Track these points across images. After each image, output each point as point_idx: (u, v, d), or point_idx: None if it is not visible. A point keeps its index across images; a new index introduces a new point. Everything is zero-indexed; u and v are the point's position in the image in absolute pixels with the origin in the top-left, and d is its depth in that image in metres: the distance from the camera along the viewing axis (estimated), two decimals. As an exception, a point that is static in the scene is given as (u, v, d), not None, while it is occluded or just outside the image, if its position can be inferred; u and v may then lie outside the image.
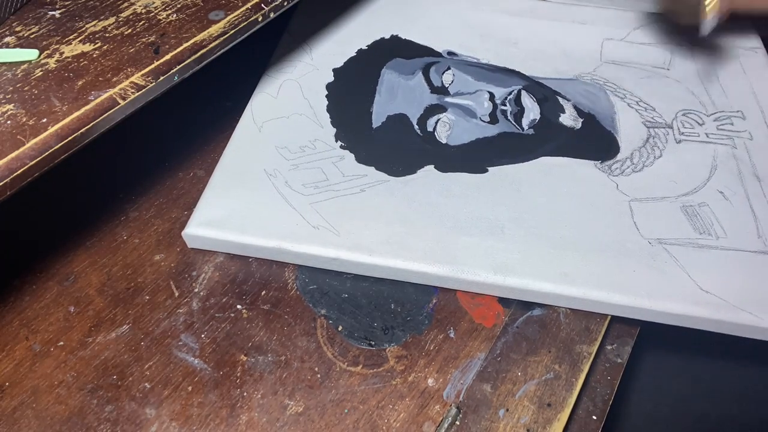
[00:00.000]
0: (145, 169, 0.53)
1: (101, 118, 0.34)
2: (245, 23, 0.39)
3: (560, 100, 0.54)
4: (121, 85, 0.35)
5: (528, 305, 0.45)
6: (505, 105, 0.53)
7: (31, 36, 0.38)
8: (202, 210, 0.47)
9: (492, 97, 0.54)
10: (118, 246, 0.49)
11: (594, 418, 0.43)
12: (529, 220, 0.46)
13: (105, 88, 0.35)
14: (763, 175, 0.49)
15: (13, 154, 0.32)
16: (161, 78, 0.36)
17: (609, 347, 0.46)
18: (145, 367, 0.42)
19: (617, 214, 0.47)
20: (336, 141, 0.51)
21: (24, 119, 0.33)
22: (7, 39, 0.37)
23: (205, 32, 0.38)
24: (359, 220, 0.46)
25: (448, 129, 0.52)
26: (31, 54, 0.36)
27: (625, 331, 0.47)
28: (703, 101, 0.54)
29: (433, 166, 0.50)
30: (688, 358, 0.70)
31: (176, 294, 0.46)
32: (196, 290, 0.46)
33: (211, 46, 0.38)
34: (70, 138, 0.33)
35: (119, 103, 0.35)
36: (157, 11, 0.40)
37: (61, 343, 0.44)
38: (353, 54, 0.58)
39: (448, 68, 0.56)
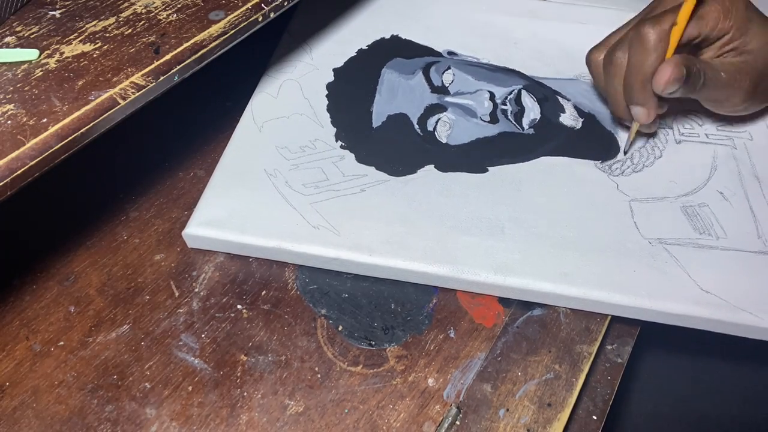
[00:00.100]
0: (145, 169, 0.53)
1: (101, 118, 0.34)
2: (245, 23, 0.39)
3: (560, 99, 0.54)
4: (122, 85, 0.35)
5: (528, 305, 0.45)
6: (506, 104, 0.53)
7: (32, 36, 0.38)
8: (203, 210, 0.47)
9: (492, 96, 0.54)
10: (118, 246, 0.49)
11: (594, 418, 0.43)
12: (529, 220, 0.46)
13: (105, 88, 0.35)
14: (763, 176, 0.49)
15: (13, 154, 0.32)
16: (161, 78, 0.36)
17: (609, 347, 0.46)
18: (146, 367, 0.42)
19: (617, 214, 0.47)
20: (336, 141, 0.51)
21: (24, 119, 0.33)
22: (8, 39, 0.37)
23: (206, 32, 0.38)
24: (359, 220, 0.46)
25: (448, 128, 0.52)
26: (31, 54, 0.36)
27: (625, 331, 0.47)
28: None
29: (433, 165, 0.50)
30: (688, 358, 0.70)
31: (176, 294, 0.46)
32: (197, 290, 0.46)
33: (211, 46, 0.38)
34: (70, 138, 0.33)
35: (119, 103, 0.35)
36: (157, 11, 0.40)
37: (62, 343, 0.44)
38: (353, 54, 0.58)
39: (449, 68, 0.56)
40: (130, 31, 0.38)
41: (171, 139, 0.55)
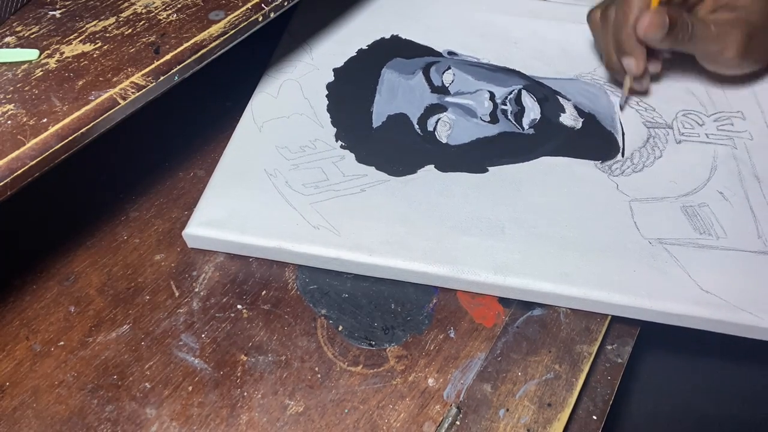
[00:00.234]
0: (145, 169, 0.53)
1: (101, 118, 0.34)
2: (245, 23, 0.39)
3: (560, 99, 0.54)
4: (122, 85, 0.35)
5: (528, 305, 0.45)
6: (506, 104, 0.53)
7: (32, 36, 0.38)
8: (203, 210, 0.47)
9: (492, 96, 0.54)
10: (118, 246, 0.49)
11: (594, 418, 0.43)
12: (529, 220, 0.46)
13: (105, 88, 0.35)
14: (763, 176, 0.49)
15: (13, 154, 0.32)
16: (161, 78, 0.36)
17: (609, 347, 0.46)
18: (146, 367, 0.42)
19: (617, 214, 0.47)
20: (336, 141, 0.51)
21: (24, 119, 0.33)
22: (8, 39, 0.37)
23: (206, 32, 0.38)
24: (359, 220, 0.46)
25: (448, 128, 0.52)
26: (31, 54, 0.36)
27: (626, 331, 0.47)
28: (703, 101, 0.54)
29: (433, 165, 0.50)
30: (688, 358, 0.70)
31: (176, 294, 0.46)
32: (197, 290, 0.46)
33: (211, 46, 0.38)
34: (70, 138, 0.33)
35: (119, 103, 0.35)
36: (157, 11, 0.40)
37: (62, 343, 0.44)
38: (353, 54, 0.58)
39: (449, 68, 0.56)
40: (130, 31, 0.38)
41: (171, 139, 0.55)
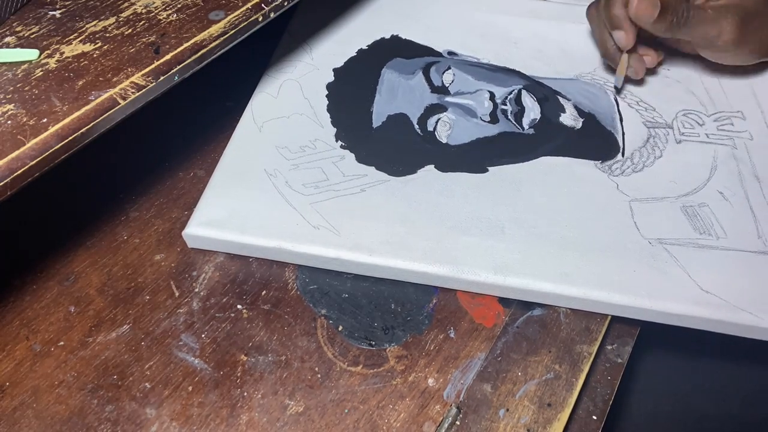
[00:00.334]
0: (145, 169, 0.53)
1: (101, 118, 0.34)
2: (245, 23, 0.39)
3: (560, 99, 0.54)
4: (122, 85, 0.35)
5: (528, 305, 0.45)
6: (506, 104, 0.53)
7: (32, 36, 0.38)
8: (203, 210, 0.47)
9: (492, 96, 0.54)
10: (118, 246, 0.49)
11: (594, 418, 0.43)
12: (529, 220, 0.46)
13: (105, 88, 0.35)
14: (763, 176, 0.49)
15: (13, 154, 0.32)
16: (161, 78, 0.36)
17: (609, 347, 0.46)
18: (146, 367, 0.42)
19: (617, 214, 0.47)
20: (336, 141, 0.51)
21: (24, 119, 0.33)
22: (8, 39, 0.37)
23: (206, 32, 0.38)
24: (359, 220, 0.46)
25: (448, 128, 0.52)
26: (31, 54, 0.36)
27: (625, 331, 0.47)
28: (703, 101, 0.54)
29: (433, 165, 0.50)
30: (688, 358, 0.70)
31: (176, 294, 0.46)
32: (197, 290, 0.46)
33: (211, 46, 0.38)
34: (70, 138, 0.33)
35: (119, 103, 0.35)
36: (157, 11, 0.40)
37: (62, 343, 0.44)
38: (353, 54, 0.58)
39: (449, 68, 0.56)
40: (130, 31, 0.38)
41: (171, 139, 0.55)
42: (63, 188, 0.52)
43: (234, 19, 0.39)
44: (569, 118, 0.53)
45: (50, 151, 0.32)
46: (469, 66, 0.56)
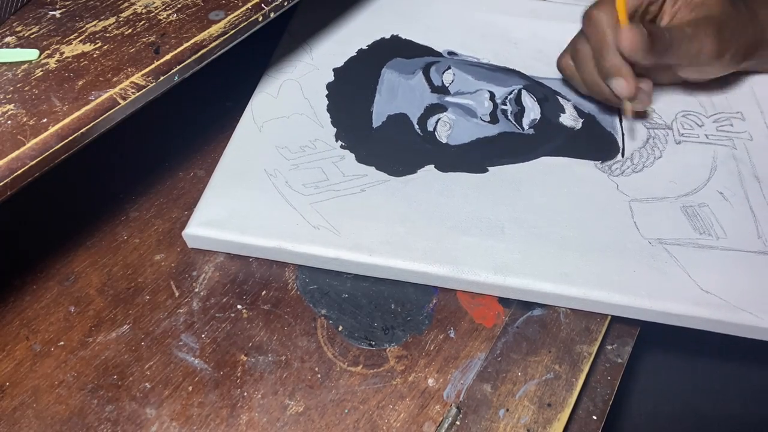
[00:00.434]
0: (145, 169, 0.53)
1: (101, 118, 0.34)
2: (245, 23, 0.39)
3: (560, 100, 0.54)
4: (122, 85, 0.35)
5: (528, 305, 0.45)
6: (506, 104, 0.53)
7: (32, 36, 0.38)
8: (203, 210, 0.47)
9: (492, 96, 0.54)
10: (118, 246, 0.49)
11: (594, 418, 0.43)
12: (529, 220, 0.46)
13: (105, 88, 0.35)
14: (763, 176, 0.49)
15: (13, 154, 0.32)
16: (161, 78, 0.36)
17: (609, 347, 0.46)
18: (146, 367, 0.42)
19: (617, 214, 0.47)
20: (336, 141, 0.51)
21: (24, 119, 0.33)
22: (8, 39, 0.37)
23: (206, 32, 0.38)
24: (359, 220, 0.46)
25: (448, 128, 0.52)
26: (31, 54, 0.36)
27: (625, 331, 0.47)
28: (703, 102, 0.54)
29: (433, 165, 0.50)
30: (688, 358, 0.70)
31: (176, 294, 0.46)
32: (197, 290, 0.46)
33: (211, 46, 0.38)
34: (70, 138, 0.33)
35: (119, 103, 0.35)
36: (157, 11, 0.40)
37: (62, 343, 0.44)
38: (353, 54, 0.58)
39: (449, 68, 0.56)
40: (130, 31, 0.38)
41: (171, 139, 0.55)
42: (63, 188, 0.52)
43: (234, 19, 0.39)
44: (569, 119, 0.53)
45: (50, 151, 0.32)
46: (469, 66, 0.56)
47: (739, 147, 0.51)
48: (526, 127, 0.52)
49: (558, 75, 0.56)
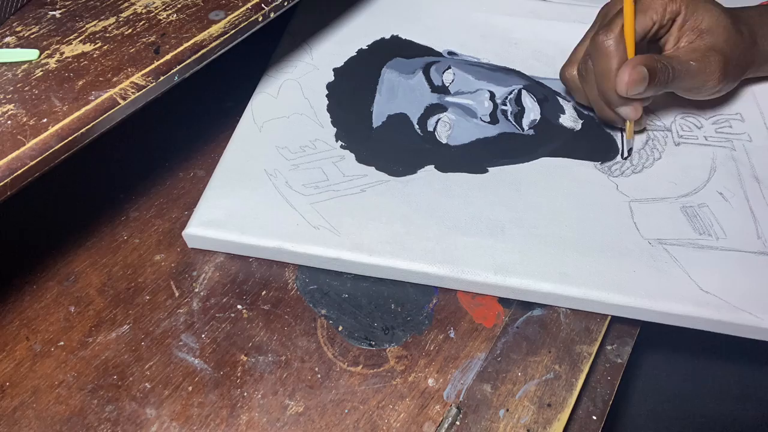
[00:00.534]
0: (145, 169, 0.53)
1: (101, 118, 0.34)
2: (245, 23, 0.39)
3: (560, 100, 0.54)
4: (122, 85, 0.35)
5: (528, 305, 0.45)
6: (506, 105, 0.53)
7: (32, 36, 0.38)
8: (203, 210, 0.47)
9: (492, 96, 0.54)
10: (118, 246, 0.49)
11: (594, 418, 0.43)
12: (529, 220, 0.46)
13: (105, 88, 0.35)
14: (763, 177, 0.49)
15: (13, 154, 0.32)
16: (161, 78, 0.36)
17: (609, 347, 0.46)
18: (146, 367, 0.42)
19: (617, 214, 0.47)
20: (336, 141, 0.51)
21: (24, 119, 0.33)
22: (8, 39, 0.37)
23: (206, 32, 0.38)
24: (359, 220, 0.46)
25: (448, 129, 0.52)
26: (31, 54, 0.36)
27: (625, 331, 0.47)
28: (702, 104, 0.54)
29: (433, 166, 0.50)
30: (688, 358, 0.70)
31: (176, 294, 0.46)
32: (197, 290, 0.46)
33: (211, 46, 0.38)
34: (70, 138, 0.33)
35: (119, 103, 0.35)
36: (157, 11, 0.40)
37: (62, 343, 0.44)
38: (353, 54, 0.58)
39: (449, 67, 0.56)
40: (130, 31, 0.38)
41: (171, 139, 0.55)
42: (63, 188, 0.52)
43: (234, 19, 0.39)
44: (569, 119, 0.53)
45: (50, 151, 0.32)
46: (469, 66, 0.56)
47: (738, 148, 0.51)
48: (526, 127, 0.52)
49: (558, 75, 0.56)
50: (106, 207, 0.51)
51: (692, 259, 0.44)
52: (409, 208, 0.47)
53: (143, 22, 0.39)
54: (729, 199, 0.47)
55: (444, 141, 0.51)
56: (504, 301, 0.45)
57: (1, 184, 0.31)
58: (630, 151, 0.51)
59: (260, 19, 0.40)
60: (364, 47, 0.58)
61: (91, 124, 0.34)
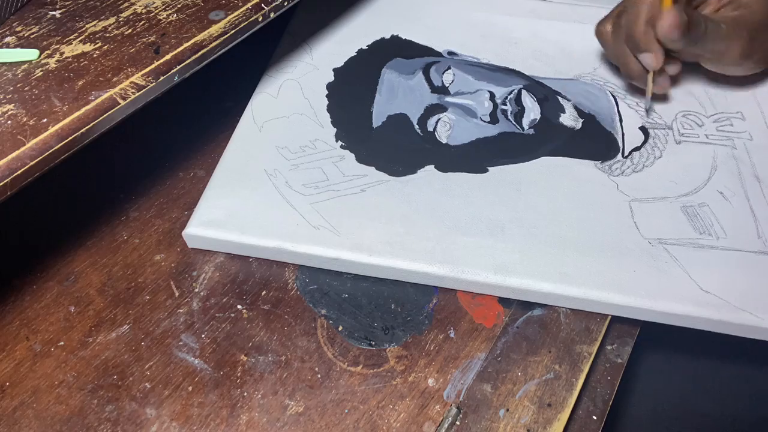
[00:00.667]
0: (145, 169, 0.53)
1: (101, 118, 0.34)
2: (245, 23, 0.39)
3: (560, 100, 0.54)
4: (122, 85, 0.35)
5: (528, 305, 0.45)
6: (506, 104, 0.53)
7: (32, 36, 0.38)
8: (203, 210, 0.47)
9: (492, 96, 0.54)
10: (118, 246, 0.49)
11: (594, 418, 0.43)
12: (529, 220, 0.46)
13: (105, 88, 0.35)
14: (763, 176, 0.49)
15: (13, 154, 0.32)
16: (161, 78, 0.36)
17: (609, 347, 0.46)
18: (146, 367, 0.42)
19: (617, 214, 0.47)
20: (336, 141, 0.51)
21: (24, 119, 0.33)
22: (8, 39, 0.38)
23: (206, 32, 0.38)
24: (359, 220, 0.46)
25: (448, 129, 0.52)
26: (31, 54, 0.36)
27: (625, 331, 0.47)
28: (703, 102, 0.54)
29: (433, 166, 0.50)
30: (688, 358, 0.70)
31: (176, 294, 0.46)
32: (197, 290, 0.46)
33: (211, 46, 0.38)
34: (70, 138, 0.33)
35: (119, 103, 0.35)
36: (157, 11, 0.40)
37: (62, 343, 0.44)
38: (353, 54, 0.58)
39: (449, 68, 0.56)
40: (130, 31, 0.38)
41: (171, 139, 0.55)
42: (63, 188, 0.52)
43: (234, 19, 0.39)
44: (569, 119, 0.53)
45: (50, 151, 0.32)
46: (469, 66, 0.56)
47: (739, 147, 0.51)
48: (526, 127, 0.52)
49: (558, 75, 0.56)
50: (106, 207, 0.51)
51: (692, 259, 0.44)
52: (409, 208, 0.47)
53: (143, 22, 0.39)
54: (729, 199, 0.47)
55: (444, 141, 0.51)
56: (504, 301, 0.45)
57: (1, 184, 0.31)
58: (648, 111, 0.52)
59: (260, 19, 0.40)
60: (364, 47, 0.58)
61: (91, 124, 0.34)
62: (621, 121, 0.53)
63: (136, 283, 0.46)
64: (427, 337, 0.44)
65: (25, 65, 0.36)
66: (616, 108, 0.54)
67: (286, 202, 0.47)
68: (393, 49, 0.58)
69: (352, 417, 0.40)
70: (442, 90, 0.54)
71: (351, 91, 0.55)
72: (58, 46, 0.37)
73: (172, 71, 0.36)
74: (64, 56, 0.37)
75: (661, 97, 0.54)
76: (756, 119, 0.52)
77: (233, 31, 0.39)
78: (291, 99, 0.54)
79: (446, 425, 0.39)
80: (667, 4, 0.45)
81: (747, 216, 0.46)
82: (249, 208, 0.47)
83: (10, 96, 0.34)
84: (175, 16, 0.39)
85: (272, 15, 0.41)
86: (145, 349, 0.43)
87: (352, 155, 0.50)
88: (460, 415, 0.40)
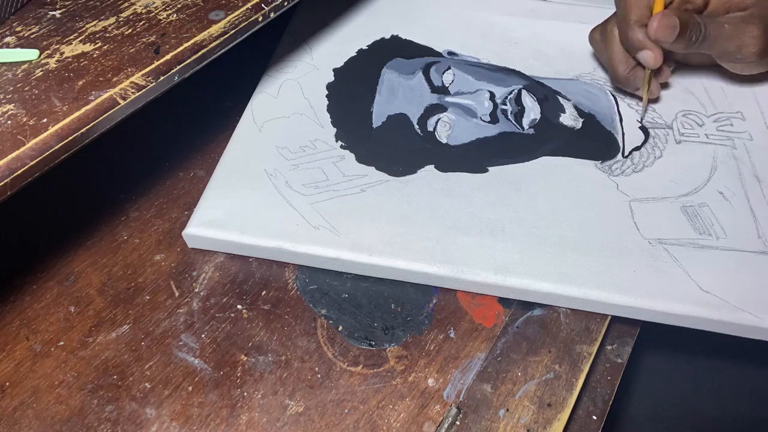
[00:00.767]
0: (145, 169, 0.53)
1: (101, 118, 0.34)
2: (245, 23, 0.39)
3: (561, 99, 0.54)
4: (122, 85, 0.35)
5: (528, 305, 0.45)
6: (506, 104, 0.53)
7: (32, 36, 0.38)
8: (203, 210, 0.47)
9: (492, 96, 0.54)
10: (118, 246, 0.49)
11: (594, 418, 0.43)
12: (529, 220, 0.46)
13: (105, 88, 0.35)
14: (763, 176, 0.49)
15: (13, 154, 0.32)
16: (161, 78, 0.36)
17: (609, 347, 0.46)
18: (146, 367, 0.42)
19: (617, 214, 0.47)
20: (336, 141, 0.51)
21: (24, 119, 0.33)
22: (8, 39, 0.38)
23: (206, 32, 0.38)
24: (359, 220, 0.46)
25: (448, 129, 0.52)
26: (31, 54, 0.36)
27: (625, 331, 0.47)
28: (703, 102, 0.54)
29: (433, 165, 0.50)
30: (688, 358, 0.70)
31: (176, 294, 0.46)
32: (197, 290, 0.46)
33: (211, 46, 0.38)
34: (70, 138, 0.33)
35: (119, 103, 0.35)
36: (157, 11, 0.40)
37: (62, 343, 0.44)
38: (353, 54, 0.58)
39: (449, 68, 0.56)
40: (130, 31, 0.38)
41: (171, 139, 0.55)
42: (63, 188, 0.52)
43: (234, 19, 0.39)
44: (569, 119, 0.53)
45: (50, 151, 0.32)
46: (469, 66, 0.56)
47: (739, 147, 0.51)
48: (526, 127, 0.52)
49: (558, 75, 0.56)
50: (106, 207, 0.51)
51: (692, 259, 0.44)
52: (409, 208, 0.47)
53: (143, 22, 0.39)
54: (729, 199, 0.47)
55: (444, 141, 0.51)
56: (504, 301, 0.45)
57: (1, 184, 0.31)
58: (643, 118, 0.52)
59: (260, 19, 0.40)
60: (364, 47, 0.58)
61: (91, 124, 0.34)
62: (621, 120, 0.53)
63: (136, 283, 0.46)
64: (427, 337, 0.44)
65: (25, 65, 0.36)
66: (616, 108, 0.54)
67: (286, 202, 0.47)
68: (393, 49, 0.58)
69: (352, 417, 0.40)
70: (442, 90, 0.54)
71: (351, 91, 0.55)
72: (58, 46, 0.37)
73: (172, 71, 0.36)
74: (64, 56, 0.37)
75: (662, 97, 0.54)
76: (756, 119, 0.52)
77: (233, 31, 0.39)
78: (291, 99, 0.54)
79: (446, 425, 0.39)
80: (657, 8, 0.46)
81: (747, 216, 0.46)
82: (249, 208, 0.47)
83: (10, 96, 0.34)
84: (175, 16, 0.39)
85: (272, 15, 0.41)
86: (145, 349, 0.43)
87: (352, 155, 0.50)
88: (460, 415, 0.40)
